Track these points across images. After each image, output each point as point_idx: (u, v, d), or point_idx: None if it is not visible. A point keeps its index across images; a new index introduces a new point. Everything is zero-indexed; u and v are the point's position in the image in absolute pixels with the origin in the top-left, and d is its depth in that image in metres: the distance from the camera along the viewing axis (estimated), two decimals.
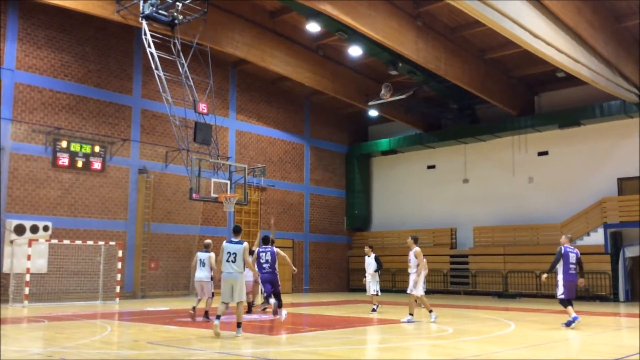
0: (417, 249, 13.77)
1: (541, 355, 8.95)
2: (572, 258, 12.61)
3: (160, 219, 22.81)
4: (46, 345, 9.75)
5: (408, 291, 13.81)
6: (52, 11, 20.26)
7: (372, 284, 16.69)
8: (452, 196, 28.47)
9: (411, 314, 13.69)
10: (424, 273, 13.74)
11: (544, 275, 12.79)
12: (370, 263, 16.77)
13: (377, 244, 28.58)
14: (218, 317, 10.54)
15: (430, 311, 13.73)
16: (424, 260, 13.69)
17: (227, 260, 10.51)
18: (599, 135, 24.44)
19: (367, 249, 17.13)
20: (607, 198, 23.28)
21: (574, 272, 12.58)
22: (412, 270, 13.72)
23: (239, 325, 10.52)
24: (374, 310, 16.58)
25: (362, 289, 28.51)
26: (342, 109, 30.15)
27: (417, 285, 13.52)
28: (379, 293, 16.87)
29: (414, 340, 10.55)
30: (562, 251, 12.58)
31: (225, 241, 10.82)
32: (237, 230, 10.95)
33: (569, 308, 12.46)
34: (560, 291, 12.51)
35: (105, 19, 20.02)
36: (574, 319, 12.30)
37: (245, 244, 10.74)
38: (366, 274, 16.88)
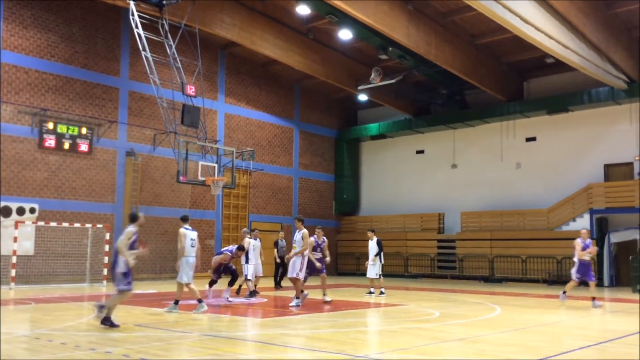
0: (304, 230, 13.19)
1: (527, 338, 9.04)
2: None
3: (148, 202, 22.70)
4: (33, 328, 9.73)
5: (291, 275, 13.17)
6: None
7: (372, 267, 16.62)
8: (441, 181, 28.58)
9: (297, 297, 13.14)
10: (307, 256, 13.25)
11: None
12: (372, 247, 16.71)
13: (365, 228, 28.61)
14: (177, 302, 11.72)
15: (299, 294, 13.18)
16: (309, 243, 13.25)
17: (192, 246, 11.77)
18: (586, 121, 24.56)
19: (369, 233, 16.89)
20: (594, 184, 23.48)
21: None
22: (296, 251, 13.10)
23: (200, 300, 11.61)
24: (370, 293, 16.65)
25: (351, 273, 29.07)
26: (331, 93, 30.04)
27: (302, 268, 13.03)
28: (381, 277, 16.81)
29: (400, 324, 10.62)
30: None
31: (184, 228, 11.80)
32: (187, 219, 12.05)
33: None
34: None
35: None
36: None
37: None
38: (368, 258, 16.80)
